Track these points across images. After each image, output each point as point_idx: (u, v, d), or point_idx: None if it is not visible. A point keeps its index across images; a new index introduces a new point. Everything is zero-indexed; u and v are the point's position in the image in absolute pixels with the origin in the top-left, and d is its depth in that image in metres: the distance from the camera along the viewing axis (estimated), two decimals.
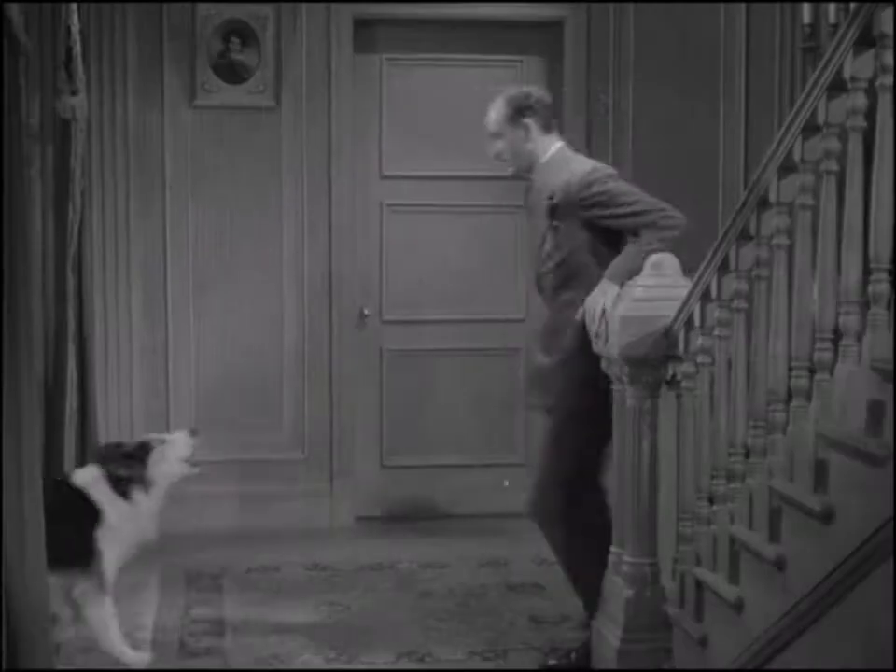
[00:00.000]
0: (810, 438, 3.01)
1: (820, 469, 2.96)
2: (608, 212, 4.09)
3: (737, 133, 6.02)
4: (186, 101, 5.87)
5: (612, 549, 4.04)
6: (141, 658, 4.18)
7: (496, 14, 6.04)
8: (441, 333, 6.22)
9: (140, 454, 4.21)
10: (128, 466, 4.18)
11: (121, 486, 4.15)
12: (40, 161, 5.63)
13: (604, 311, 3.93)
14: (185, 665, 4.22)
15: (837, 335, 2.97)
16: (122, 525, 4.14)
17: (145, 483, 4.18)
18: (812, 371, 3.07)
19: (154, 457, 4.21)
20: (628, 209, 4.07)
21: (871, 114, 2.89)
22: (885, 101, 2.81)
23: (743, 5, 6.05)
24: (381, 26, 6.09)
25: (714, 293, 3.56)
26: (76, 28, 5.46)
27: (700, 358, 3.66)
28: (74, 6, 5.45)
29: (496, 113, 4.33)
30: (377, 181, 6.16)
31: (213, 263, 5.92)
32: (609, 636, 3.94)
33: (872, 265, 2.84)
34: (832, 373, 2.97)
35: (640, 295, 3.87)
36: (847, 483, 2.84)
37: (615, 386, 4.00)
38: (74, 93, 5.51)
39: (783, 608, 3.09)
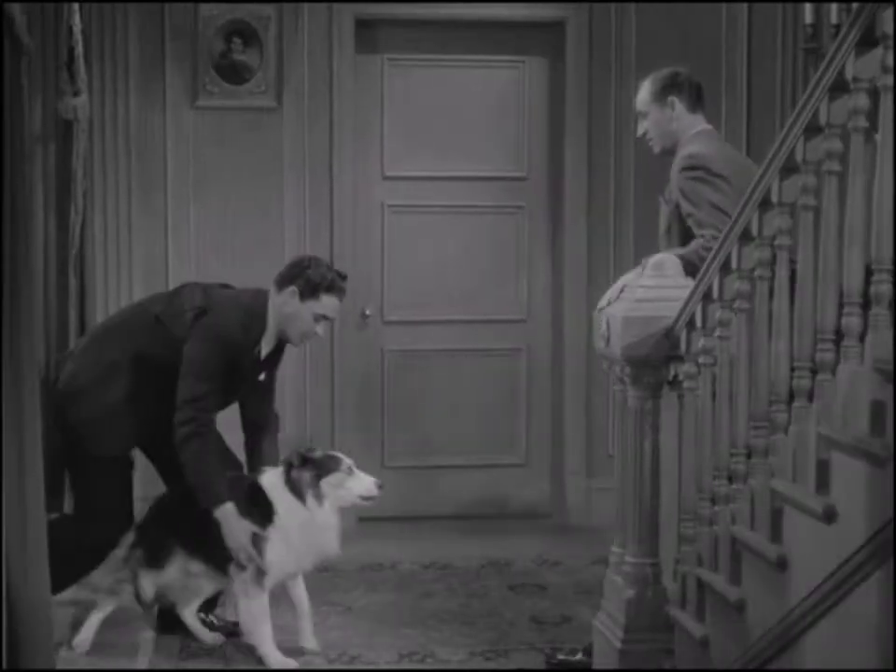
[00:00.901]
0: (812, 438, 3.00)
1: (822, 470, 2.96)
2: (682, 203, 4.08)
3: (739, 133, 6.01)
4: (188, 101, 5.87)
5: (614, 549, 4.04)
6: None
7: (497, 14, 6.04)
8: (442, 334, 6.22)
9: (326, 465, 4.22)
10: (306, 469, 4.19)
11: (296, 486, 4.18)
12: (42, 162, 5.63)
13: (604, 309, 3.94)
14: (185, 665, 4.22)
15: (839, 336, 2.97)
16: (291, 528, 4.16)
17: (318, 493, 4.19)
18: (814, 372, 3.07)
19: (334, 479, 4.21)
20: (689, 213, 4.05)
21: (872, 114, 2.89)
22: (886, 101, 2.80)
23: (745, 5, 6.05)
24: (382, 26, 6.09)
25: (716, 294, 3.56)
26: (77, 28, 5.47)
27: (702, 359, 3.66)
28: (76, 6, 5.46)
29: (643, 92, 4.33)
30: (378, 182, 6.16)
31: (214, 263, 5.92)
32: (611, 636, 3.94)
33: (873, 266, 2.83)
34: (834, 374, 2.97)
35: (642, 295, 3.87)
36: (849, 484, 2.83)
37: (617, 387, 4.00)
38: (76, 94, 5.52)
39: (784, 608, 3.09)
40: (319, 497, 4.19)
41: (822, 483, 2.95)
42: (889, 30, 2.75)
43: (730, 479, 3.50)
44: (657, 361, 3.82)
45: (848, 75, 2.88)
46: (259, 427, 4.51)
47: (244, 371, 4.31)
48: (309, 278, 4.28)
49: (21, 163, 3.10)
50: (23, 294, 3.12)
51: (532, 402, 6.30)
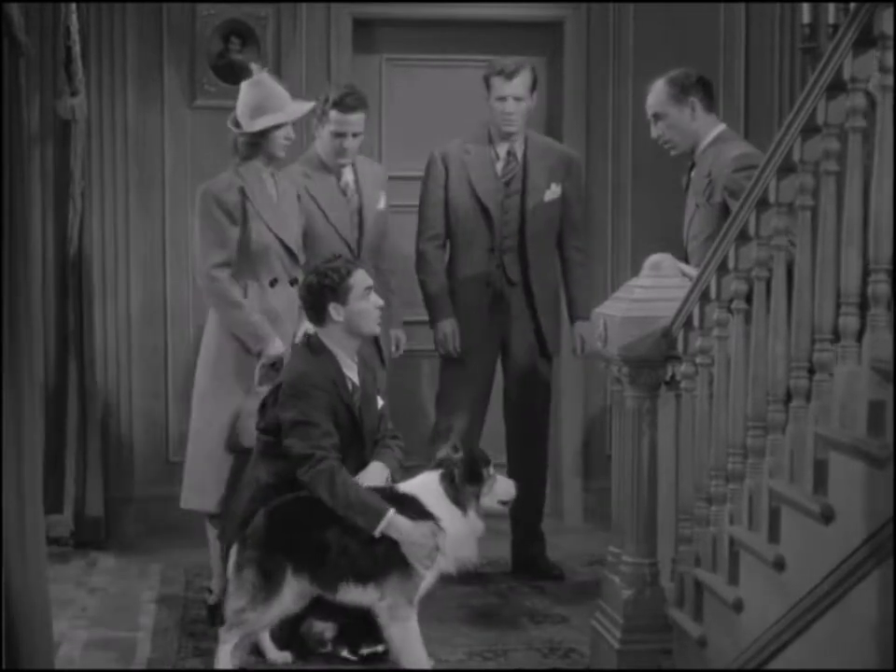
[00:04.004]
0: (810, 438, 3.01)
1: (820, 470, 2.96)
2: (735, 205, 4.03)
3: (737, 132, 6.01)
4: (185, 101, 5.87)
5: (611, 549, 4.05)
6: None
7: (496, 14, 6.03)
8: None
9: (480, 470, 4.05)
10: (471, 479, 4.02)
11: (459, 495, 4.01)
12: (40, 162, 5.64)
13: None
14: (185, 665, 4.22)
15: (837, 336, 2.97)
16: (452, 537, 3.98)
17: (478, 500, 4.03)
18: (812, 372, 3.07)
19: (486, 485, 4.06)
20: None
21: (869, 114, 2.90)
22: (885, 101, 2.81)
23: (742, 5, 6.05)
24: (381, 26, 6.09)
25: (713, 293, 3.56)
26: (75, 28, 5.48)
27: (699, 359, 3.66)
28: (73, 6, 5.47)
29: (656, 94, 4.34)
30: None
31: None
32: (609, 636, 3.94)
33: (871, 266, 2.84)
34: (831, 374, 2.97)
35: (639, 295, 3.87)
36: (847, 484, 2.84)
37: (614, 387, 4.00)
38: (74, 94, 5.53)
39: (782, 608, 3.09)
40: (475, 505, 4.03)
41: (820, 484, 2.96)
42: (888, 30, 2.75)
43: (727, 479, 3.50)
44: (654, 361, 3.82)
45: (846, 74, 2.88)
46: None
47: (353, 405, 4.24)
48: (329, 287, 4.20)
49: (19, 163, 3.10)
50: (22, 294, 3.12)
51: None
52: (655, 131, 4.40)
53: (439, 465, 4.10)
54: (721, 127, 4.38)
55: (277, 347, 4.51)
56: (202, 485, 4.49)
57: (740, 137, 4.42)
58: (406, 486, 4.10)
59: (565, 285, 5.34)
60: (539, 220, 5.22)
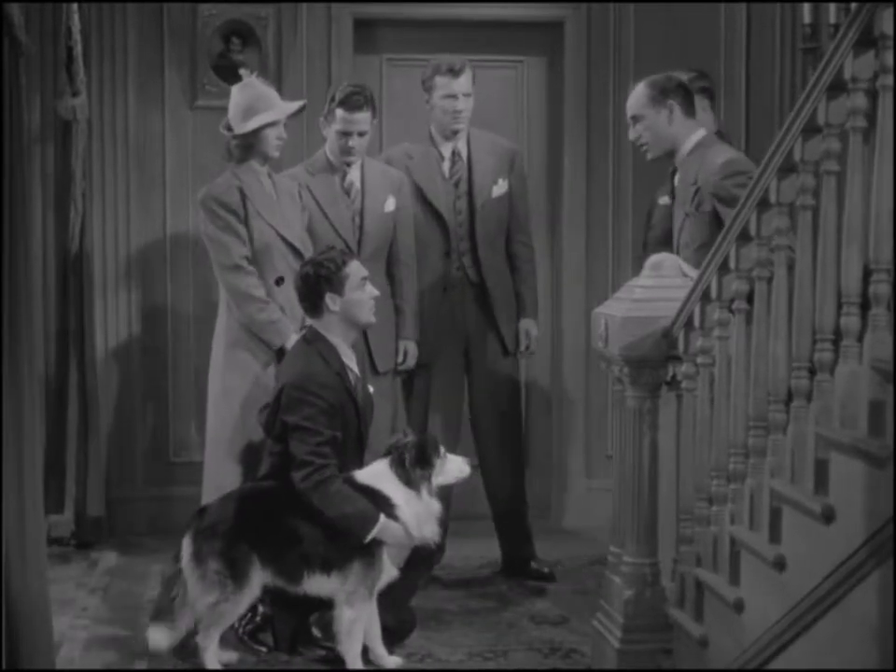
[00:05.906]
0: (810, 438, 3.01)
1: (821, 470, 2.96)
2: (723, 211, 4.00)
3: (738, 133, 6.01)
4: (186, 101, 5.87)
5: (612, 549, 4.05)
6: None
7: (496, 14, 6.03)
8: None
9: (430, 452, 4.15)
10: (422, 464, 4.12)
11: (412, 478, 4.11)
12: (41, 162, 5.64)
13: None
14: (185, 665, 4.21)
15: (838, 336, 2.97)
16: (409, 521, 4.09)
17: (430, 480, 4.14)
18: (812, 372, 3.07)
19: (438, 468, 4.16)
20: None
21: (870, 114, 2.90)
22: (885, 101, 2.81)
23: (743, 5, 6.05)
24: (381, 26, 6.09)
25: (714, 293, 3.56)
26: (76, 28, 5.48)
27: (700, 359, 3.66)
28: (74, 6, 5.47)
29: (636, 96, 4.32)
30: None
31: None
32: (609, 636, 3.94)
33: (872, 266, 2.84)
34: (832, 374, 2.97)
35: (640, 296, 3.87)
36: (848, 484, 2.84)
37: (615, 387, 4.00)
38: (75, 94, 5.53)
39: (783, 608, 3.09)
40: (427, 486, 4.14)
41: (821, 484, 2.96)
42: (888, 30, 2.75)
43: (728, 479, 3.50)
44: (655, 361, 3.82)
45: (847, 74, 2.88)
46: None
47: (356, 396, 4.28)
48: (325, 278, 4.23)
49: (20, 163, 3.11)
50: (22, 294, 3.12)
51: (531, 402, 6.29)
52: (633, 133, 4.39)
53: (388, 452, 4.18)
54: (702, 132, 4.35)
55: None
56: (221, 486, 4.48)
57: (722, 141, 4.38)
58: (361, 476, 4.15)
59: (511, 281, 5.29)
60: (489, 218, 5.19)
